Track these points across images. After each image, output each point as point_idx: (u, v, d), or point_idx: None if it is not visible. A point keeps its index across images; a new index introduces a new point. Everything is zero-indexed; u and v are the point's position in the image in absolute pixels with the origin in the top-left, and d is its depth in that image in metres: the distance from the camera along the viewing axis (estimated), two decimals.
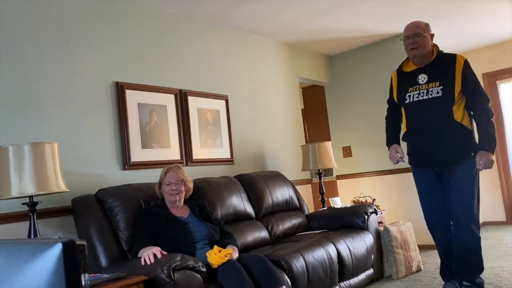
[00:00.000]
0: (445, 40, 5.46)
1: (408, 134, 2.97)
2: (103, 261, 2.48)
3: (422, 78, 2.84)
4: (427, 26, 2.88)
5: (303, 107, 5.94)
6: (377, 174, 5.21)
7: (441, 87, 2.75)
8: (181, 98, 3.60)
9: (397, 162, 3.01)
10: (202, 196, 3.07)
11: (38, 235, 2.27)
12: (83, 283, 0.65)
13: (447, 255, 2.95)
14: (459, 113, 2.77)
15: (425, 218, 3.01)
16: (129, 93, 3.19)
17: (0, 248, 0.69)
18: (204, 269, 2.27)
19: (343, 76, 5.51)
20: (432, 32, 2.91)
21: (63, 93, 2.85)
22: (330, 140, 5.36)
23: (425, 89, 2.81)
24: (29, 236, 2.27)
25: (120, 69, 3.20)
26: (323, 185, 4.48)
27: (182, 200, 2.77)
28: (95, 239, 2.52)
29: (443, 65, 2.82)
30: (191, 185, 2.85)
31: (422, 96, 2.81)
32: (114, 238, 2.58)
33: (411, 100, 2.86)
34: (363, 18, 4.41)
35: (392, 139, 3.10)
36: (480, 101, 2.77)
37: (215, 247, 2.46)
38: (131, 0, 3.37)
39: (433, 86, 2.78)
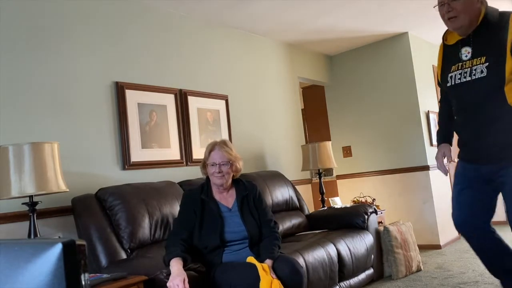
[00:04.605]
0: None
1: (456, 124, 2.34)
2: (103, 261, 2.48)
3: (466, 52, 2.15)
4: None
5: (303, 107, 5.94)
6: (377, 174, 5.21)
7: (487, 63, 2.06)
8: (181, 98, 3.60)
9: (447, 174, 2.35)
10: None
11: (38, 235, 2.27)
12: (83, 283, 0.65)
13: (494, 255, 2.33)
14: None
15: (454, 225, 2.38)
16: (129, 93, 3.20)
17: (0, 248, 0.69)
18: (203, 269, 2.27)
19: (343, 76, 5.51)
20: None
21: (63, 93, 2.85)
22: (330, 140, 5.36)
23: (469, 67, 2.13)
24: (29, 236, 2.27)
25: (120, 69, 3.20)
26: (323, 185, 4.48)
27: (229, 181, 2.48)
28: (95, 239, 2.52)
29: (490, 32, 2.08)
30: (240, 164, 2.52)
31: (465, 77, 2.13)
32: (114, 237, 2.58)
33: (453, 83, 2.20)
34: (363, 18, 4.41)
35: (442, 133, 2.43)
36: None
37: (263, 268, 2.09)
38: (132, 0, 3.37)
39: (477, 63, 2.10)
